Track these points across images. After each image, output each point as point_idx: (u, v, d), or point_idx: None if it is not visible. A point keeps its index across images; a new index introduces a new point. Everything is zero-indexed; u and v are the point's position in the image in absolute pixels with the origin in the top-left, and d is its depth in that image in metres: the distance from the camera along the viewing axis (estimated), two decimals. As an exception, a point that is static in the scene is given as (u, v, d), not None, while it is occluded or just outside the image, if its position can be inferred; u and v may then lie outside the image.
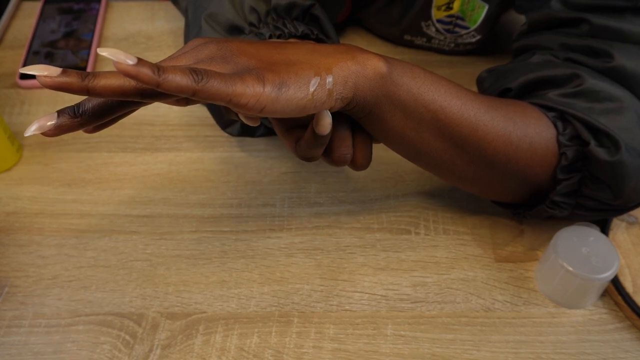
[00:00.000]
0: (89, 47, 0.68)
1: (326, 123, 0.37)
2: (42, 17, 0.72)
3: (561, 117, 0.44)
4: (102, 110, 0.34)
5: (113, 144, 0.59)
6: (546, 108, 0.45)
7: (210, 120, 0.61)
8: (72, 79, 0.32)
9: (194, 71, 0.32)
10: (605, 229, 0.49)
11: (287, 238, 0.51)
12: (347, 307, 0.47)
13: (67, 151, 0.58)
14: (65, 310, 0.47)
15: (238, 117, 0.42)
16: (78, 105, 0.34)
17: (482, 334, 0.45)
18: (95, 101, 0.34)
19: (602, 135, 0.43)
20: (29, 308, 0.47)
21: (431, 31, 0.65)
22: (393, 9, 0.65)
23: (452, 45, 0.66)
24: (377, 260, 0.50)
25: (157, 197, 0.54)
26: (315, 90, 0.35)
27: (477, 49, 0.67)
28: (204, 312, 0.47)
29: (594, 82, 0.44)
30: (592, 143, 0.42)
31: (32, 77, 0.64)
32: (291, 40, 0.44)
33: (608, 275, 0.44)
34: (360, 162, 0.42)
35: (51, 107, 0.63)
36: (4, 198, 0.54)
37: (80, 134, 0.60)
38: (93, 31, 0.70)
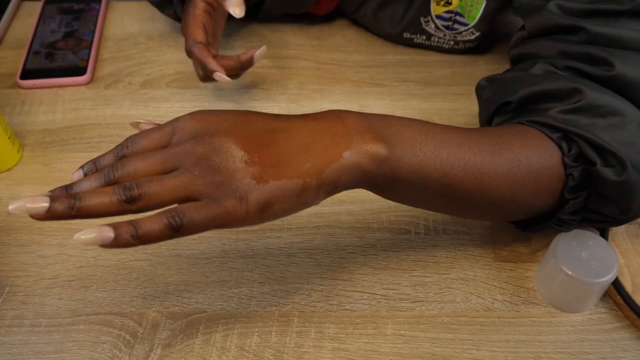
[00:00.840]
0: (89, 47, 0.68)
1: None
2: (43, 17, 0.72)
3: (565, 137, 0.43)
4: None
5: (114, 144, 0.59)
6: (548, 127, 0.44)
7: (211, 120, 0.61)
8: (59, 207, 0.34)
9: (170, 217, 0.33)
10: (604, 230, 0.49)
11: (287, 238, 0.52)
12: (347, 307, 0.47)
13: (67, 151, 0.58)
14: (65, 310, 0.47)
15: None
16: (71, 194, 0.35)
17: (482, 334, 0.45)
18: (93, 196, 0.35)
19: (608, 154, 0.42)
20: (29, 307, 0.47)
21: (430, 28, 0.65)
22: (394, 5, 0.65)
23: (452, 43, 0.66)
24: (377, 260, 0.50)
25: (158, 197, 0.54)
26: (302, 198, 0.35)
27: (476, 49, 0.67)
28: (204, 312, 0.47)
29: (595, 97, 0.43)
30: (599, 163, 0.41)
31: (33, 77, 0.65)
32: (282, 116, 0.40)
33: (607, 279, 0.44)
34: None
35: (51, 107, 0.63)
36: (4, 198, 0.55)
37: (81, 134, 0.60)
38: (93, 31, 0.70)
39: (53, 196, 0.34)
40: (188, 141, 0.36)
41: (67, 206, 0.33)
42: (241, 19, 0.67)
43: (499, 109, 0.48)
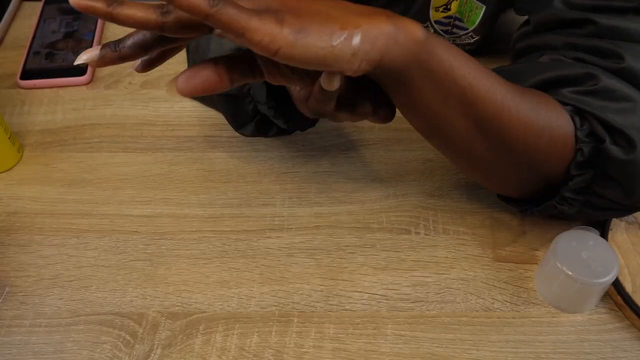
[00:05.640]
0: (90, 47, 0.68)
1: (334, 78, 0.36)
2: (43, 18, 0.72)
3: (578, 113, 0.44)
4: (139, 45, 0.36)
5: (114, 144, 0.59)
6: (562, 103, 0.44)
7: (211, 120, 0.61)
8: (98, 3, 0.32)
9: None
10: (604, 229, 0.49)
11: (288, 238, 0.52)
12: (347, 307, 0.47)
13: (67, 151, 0.58)
14: (65, 310, 0.47)
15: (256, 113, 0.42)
16: (118, 40, 0.35)
17: (482, 334, 0.45)
18: (133, 37, 0.35)
19: (617, 134, 0.42)
20: (29, 308, 0.47)
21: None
22: (392, 11, 0.65)
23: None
24: (377, 260, 0.50)
25: (158, 197, 0.55)
26: (338, 43, 0.34)
27: (476, 50, 0.67)
28: (204, 312, 0.47)
29: (609, 82, 0.43)
30: (607, 140, 0.42)
31: (33, 77, 0.65)
32: None
33: (607, 279, 0.44)
34: (384, 115, 0.41)
35: (52, 107, 0.63)
36: (4, 198, 0.55)
37: (81, 134, 0.60)
38: (93, 31, 0.70)
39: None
40: None
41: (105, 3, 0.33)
42: None
43: None
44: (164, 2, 0.31)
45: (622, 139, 0.42)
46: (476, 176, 0.47)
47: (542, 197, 0.47)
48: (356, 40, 0.34)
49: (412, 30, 0.37)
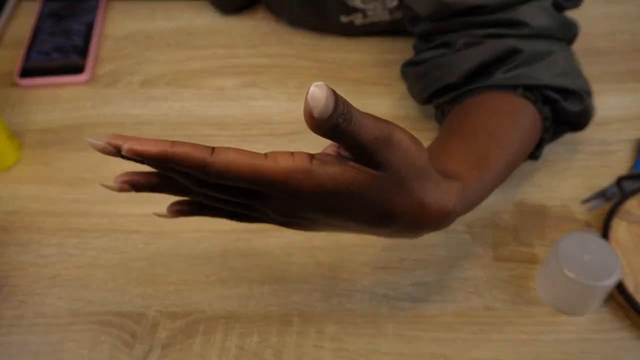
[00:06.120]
0: (89, 47, 0.68)
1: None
2: (42, 16, 0.72)
3: (527, 89, 0.48)
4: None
5: (113, 143, 0.59)
6: (502, 87, 0.48)
7: (211, 119, 0.61)
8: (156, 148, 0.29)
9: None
10: (606, 228, 0.49)
11: (288, 237, 0.51)
12: (347, 306, 0.47)
13: (67, 150, 0.58)
14: (65, 310, 0.47)
15: None
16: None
17: (483, 333, 0.45)
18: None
19: (563, 91, 0.48)
20: (29, 307, 0.47)
21: (356, 2, 0.65)
22: None
23: (387, 13, 0.66)
24: (377, 260, 0.50)
25: (157, 196, 0.54)
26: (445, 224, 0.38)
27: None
28: (204, 312, 0.47)
29: (528, 47, 0.48)
30: (560, 100, 0.48)
31: (32, 75, 0.64)
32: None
33: (610, 282, 0.43)
34: None
35: (51, 107, 0.63)
36: (4, 197, 0.54)
37: (80, 133, 0.60)
38: (93, 30, 0.70)
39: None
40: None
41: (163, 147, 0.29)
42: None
43: (444, 89, 0.52)
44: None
45: (569, 94, 0.48)
46: None
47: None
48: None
49: (440, 211, 0.36)
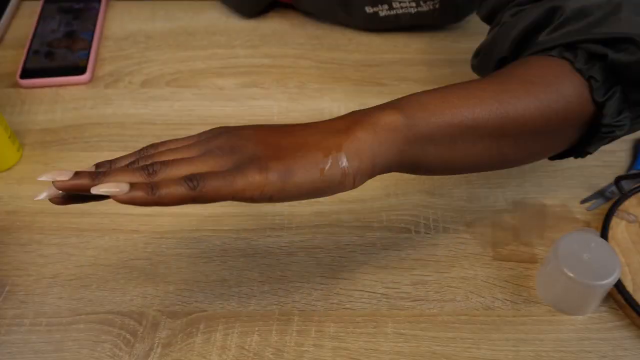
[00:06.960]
0: (89, 47, 0.68)
1: None
2: (43, 17, 0.72)
3: (567, 48, 0.43)
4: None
5: (114, 143, 0.59)
6: (543, 52, 0.44)
7: (211, 119, 0.61)
8: (83, 180, 0.33)
9: (188, 179, 0.33)
10: (605, 228, 0.49)
11: (288, 237, 0.51)
12: (347, 306, 0.47)
13: (67, 150, 0.58)
14: (65, 309, 0.47)
15: None
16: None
17: (482, 332, 0.45)
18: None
19: (614, 42, 0.41)
20: (29, 307, 0.47)
21: None
22: None
23: (414, 5, 0.66)
24: (377, 259, 0.50)
25: (158, 196, 0.54)
26: (327, 172, 0.35)
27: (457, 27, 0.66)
28: (205, 311, 0.47)
29: (572, 4, 0.43)
30: (609, 53, 0.41)
31: (33, 76, 0.65)
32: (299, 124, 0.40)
33: (609, 281, 0.44)
34: None
35: (51, 107, 0.63)
36: (4, 197, 0.55)
37: (81, 133, 0.60)
38: (93, 31, 0.70)
39: (79, 172, 0.35)
40: (220, 149, 0.36)
41: (146, 195, 0.33)
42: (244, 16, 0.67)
43: (498, 68, 0.47)
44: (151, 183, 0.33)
45: (620, 44, 0.41)
46: (523, 163, 0.46)
47: (588, 136, 0.45)
48: (342, 162, 0.35)
49: (388, 122, 0.37)
